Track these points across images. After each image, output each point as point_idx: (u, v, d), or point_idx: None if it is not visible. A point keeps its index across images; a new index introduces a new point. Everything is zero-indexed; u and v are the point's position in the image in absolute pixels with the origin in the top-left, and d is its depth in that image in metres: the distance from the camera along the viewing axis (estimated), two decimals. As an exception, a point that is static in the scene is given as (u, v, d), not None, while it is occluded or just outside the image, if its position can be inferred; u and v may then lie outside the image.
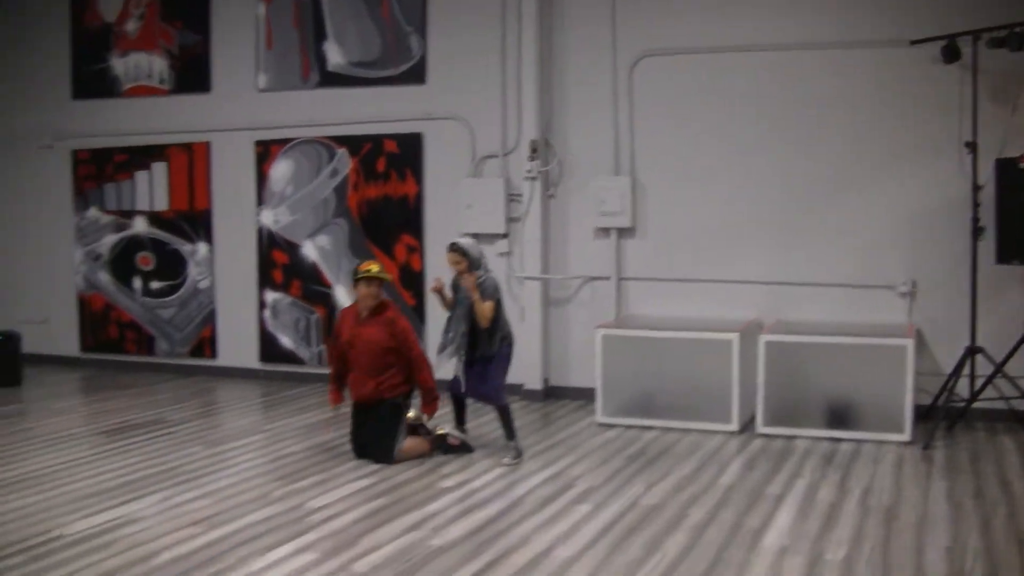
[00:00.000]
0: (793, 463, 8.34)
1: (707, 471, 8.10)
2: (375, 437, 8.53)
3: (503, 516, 6.95)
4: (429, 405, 8.62)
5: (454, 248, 8.48)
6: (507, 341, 8.66)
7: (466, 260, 8.43)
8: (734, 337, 9.48)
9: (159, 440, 9.35)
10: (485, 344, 8.52)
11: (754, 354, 9.50)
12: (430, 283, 10.82)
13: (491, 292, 8.45)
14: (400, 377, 8.64)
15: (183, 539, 6.50)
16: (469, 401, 8.96)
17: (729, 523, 6.72)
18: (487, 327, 8.45)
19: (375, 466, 8.32)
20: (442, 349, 8.70)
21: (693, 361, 9.66)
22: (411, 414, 8.72)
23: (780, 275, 10.33)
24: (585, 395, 10.66)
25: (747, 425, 9.60)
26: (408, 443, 8.61)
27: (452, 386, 8.78)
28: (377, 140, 11.76)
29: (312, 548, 6.29)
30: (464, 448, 8.76)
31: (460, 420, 8.95)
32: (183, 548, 6.33)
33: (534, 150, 10.89)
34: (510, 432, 8.56)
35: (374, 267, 8.65)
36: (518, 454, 8.50)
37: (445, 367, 8.75)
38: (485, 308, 8.37)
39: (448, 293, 8.78)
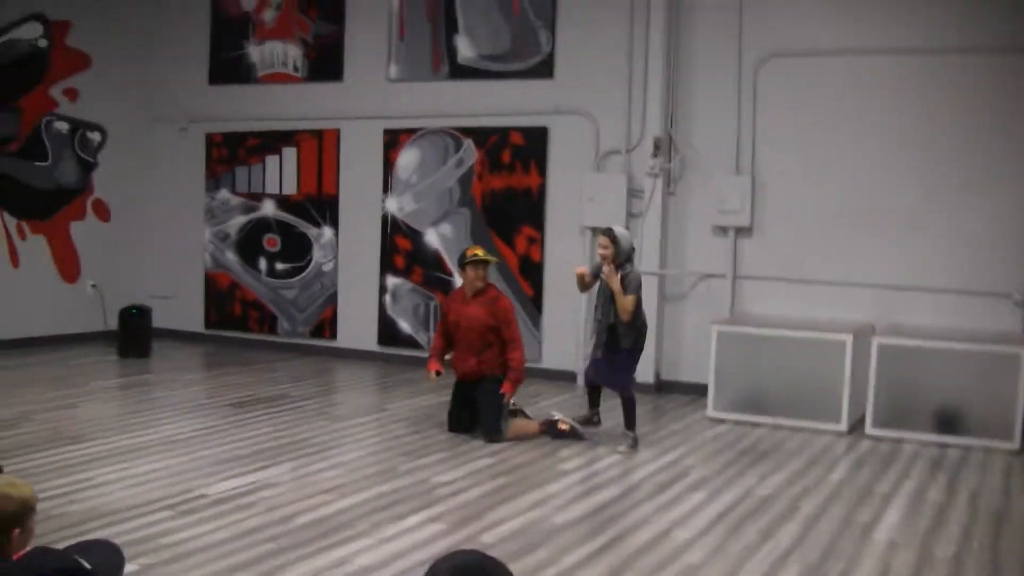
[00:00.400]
0: (901, 464, 8.47)
1: (817, 467, 8.27)
2: (484, 410, 8.95)
3: (621, 499, 7.22)
4: (511, 383, 8.99)
5: (607, 233, 8.72)
6: (642, 335, 8.88)
7: (614, 247, 8.63)
8: (847, 338, 9.62)
9: (285, 414, 9.76)
10: (622, 336, 8.72)
11: (866, 356, 9.62)
12: (554, 274, 11.15)
13: (634, 287, 8.65)
14: (500, 355, 9.06)
15: (317, 504, 6.87)
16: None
17: (840, 517, 6.90)
18: (626, 321, 8.66)
19: (497, 447, 8.65)
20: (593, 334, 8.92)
21: (805, 360, 9.82)
22: (556, 415, 9.14)
23: (895, 278, 10.41)
24: (696, 390, 10.86)
25: (856, 426, 9.72)
26: (517, 423, 9.02)
27: (586, 374, 9.03)
28: (503, 132, 12.06)
29: (441, 519, 6.61)
30: (574, 434, 9.02)
31: (594, 403, 9.27)
32: (318, 512, 6.70)
33: (657, 147, 11.11)
34: (630, 422, 8.79)
35: (480, 251, 9.13)
36: (634, 443, 8.73)
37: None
38: (627, 302, 8.57)
39: (588, 278, 8.95)
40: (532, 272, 11.96)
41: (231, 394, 10.64)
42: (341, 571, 5.70)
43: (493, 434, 8.87)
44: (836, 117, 10.62)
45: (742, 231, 11.01)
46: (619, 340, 8.71)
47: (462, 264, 9.15)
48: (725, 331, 10.16)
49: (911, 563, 6.01)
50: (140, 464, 7.72)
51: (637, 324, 8.75)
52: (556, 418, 9.12)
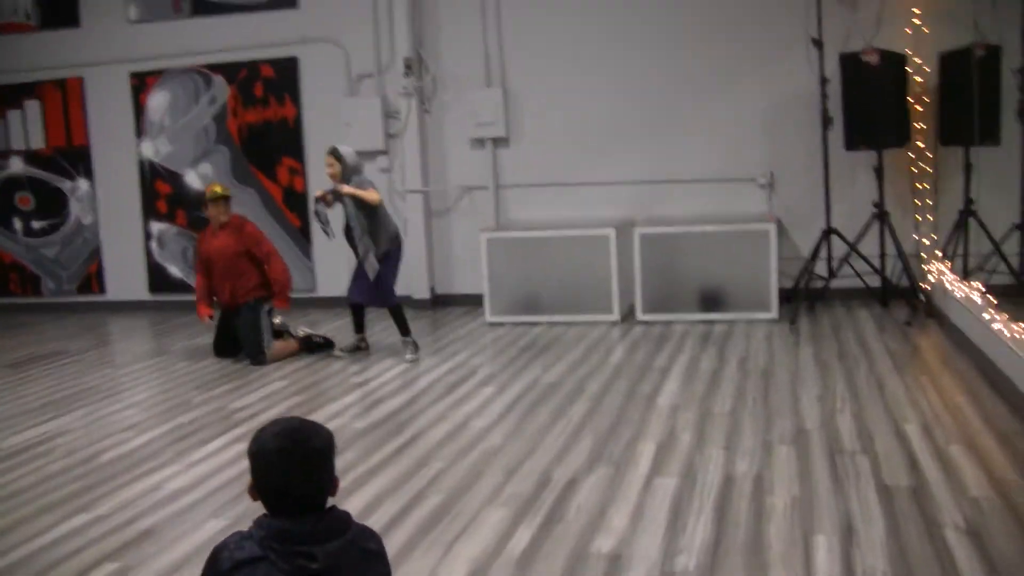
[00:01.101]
0: (674, 343, 9.04)
1: (596, 353, 8.75)
2: (243, 337, 9.35)
3: (416, 400, 7.52)
4: (280, 298, 9.41)
5: (332, 152, 8.98)
6: (395, 243, 9.11)
7: (339, 164, 8.89)
8: (611, 232, 10.11)
9: (68, 367, 9.63)
10: (378, 240, 8.93)
11: (630, 248, 10.14)
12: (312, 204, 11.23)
13: (369, 184, 8.94)
14: (255, 280, 9.44)
15: (119, 442, 6.91)
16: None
17: (623, 391, 7.39)
18: (372, 228, 8.86)
19: (286, 370, 8.79)
20: (364, 255, 9.03)
21: (573, 258, 10.29)
22: (276, 320, 9.55)
23: (650, 174, 10.95)
24: (471, 301, 11.21)
25: (627, 315, 10.27)
26: (278, 344, 9.42)
27: (349, 294, 9.28)
28: (253, 66, 12.02)
29: (243, 440, 6.72)
30: (328, 344, 9.54)
31: (359, 327, 9.46)
32: (122, 449, 6.74)
33: (408, 67, 11.29)
34: (405, 329, 9.09)
35: (219, 188, 9.59)
36: (416, 348, 9.04)
37: (372, 267, 9.00)
38: (368, 194, 8.78)
39: (328, 196, 9.05)
40: (297, 203, 12.03)
41: (4, 356, 10.39)
42: (154, 496, 5.80)
43: (257, 356, 9.24)
44: (582, 20, 10.99)
45: (499, 142, 11.35)
46: (377, 244, 8.91)
47: (203, 203, 9.66)
48: (493, 238, 10.52)
49: (694, 421, 6.52)
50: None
51: (388, 229, 8.98)
52: (307, 333, 9.63)
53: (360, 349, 9.45)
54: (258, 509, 2.90)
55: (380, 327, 10.20)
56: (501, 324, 10.28)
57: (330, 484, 2.94)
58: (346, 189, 8.78)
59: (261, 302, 9.40)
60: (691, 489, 5.32)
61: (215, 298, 9.63)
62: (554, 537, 4.83)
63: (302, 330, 9.72)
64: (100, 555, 5.02)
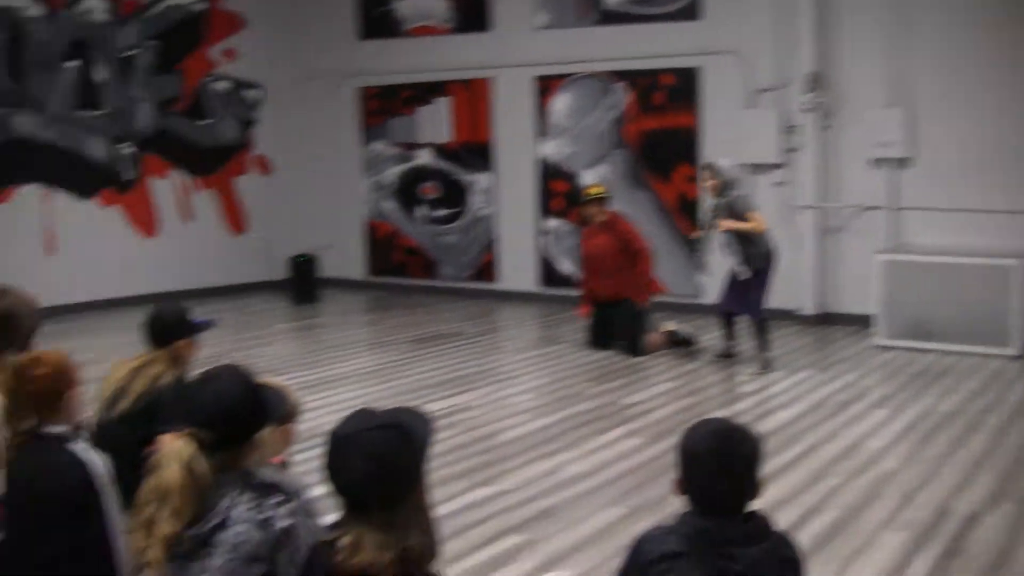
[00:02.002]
0: (1079, 384, 8.58)
1: (994, 387, 8.42)
2: (621, 330, 9.78)
3: (807, 415, 7.51)
4: (643, 294, 9.88)
5: (706, 166, 9.33)
6: (766, 261, 9.14)
7: (716, 179, 9.10)
8: (1014, 263, 9.69)
9: (464, 348, 10.18)
10: (750, 259, 9.04)
11: (1034, 280, 9.69)
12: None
13: (746, 207, 9.08)
14: (632, 275, 9.87)
15: (516, 424, 7.29)
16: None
17: (1026, 430, 7.10)
18: (745, 247, 8.98)
19: (676, 372, 8.97)
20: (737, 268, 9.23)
21: (971, 287, 9.90)
22: (671, 326, 9.99)
23: (1061, 205, 10.41)
24: (858, 321, 10.99)
25: (1025, 351, 9.82)
26: (651, 338, 9.84)
27: (720, 304, 9.46)
28: (654, 75, 12.27)
29: (638, 434, 6.96)
30: (689, 342, 9.88)
31: (729, 335, 9.52)
32: (520, 430, 7.12)
33: (811, 82, 11.21)
34: (764, 345, 9.16)
35: (595, 189, 10.17)
36: (767, 365, 9.08)
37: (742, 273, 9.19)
38: (752, 222, 8.93)
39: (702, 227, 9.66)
40: (690, 211, 12.17)
41: (406, 333, 11.08)
42: (554, 478, 6.09)
43: (635, 348, 9.65)
44: (992, 45, 10.58)
45: (900, 162, 11.08)
46: (749, 263, 9.03)
47: (582, 203, 10.21)
48: (889, 260, 10.30)
49: (1105, 467, 6.20)
50: (340, 393, 8.20)
51: (762, 246, 9.05)
52: (672, 328, 10.01)
53: (730, 356, 9.50)
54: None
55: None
56: (891, 348, 10.04)
57: (755, 489, 3.03)
58: (727, 224, 8.94)
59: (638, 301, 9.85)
60: (1107, 537, 5.08)
61: (592, 291, 10.09)
62: (955, 569, 4.75)
63: (668, 325, 10.09)
64: (505, 527, 5.34)
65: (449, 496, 5.75)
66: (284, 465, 4.19)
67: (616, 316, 9.84)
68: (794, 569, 3.05)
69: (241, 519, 3.11)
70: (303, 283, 13.52)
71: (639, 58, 12.35)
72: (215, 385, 3.26)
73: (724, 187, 9.08)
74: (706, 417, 3.19)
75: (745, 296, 9.11)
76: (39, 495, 3.81)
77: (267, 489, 3.17)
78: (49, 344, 4.30)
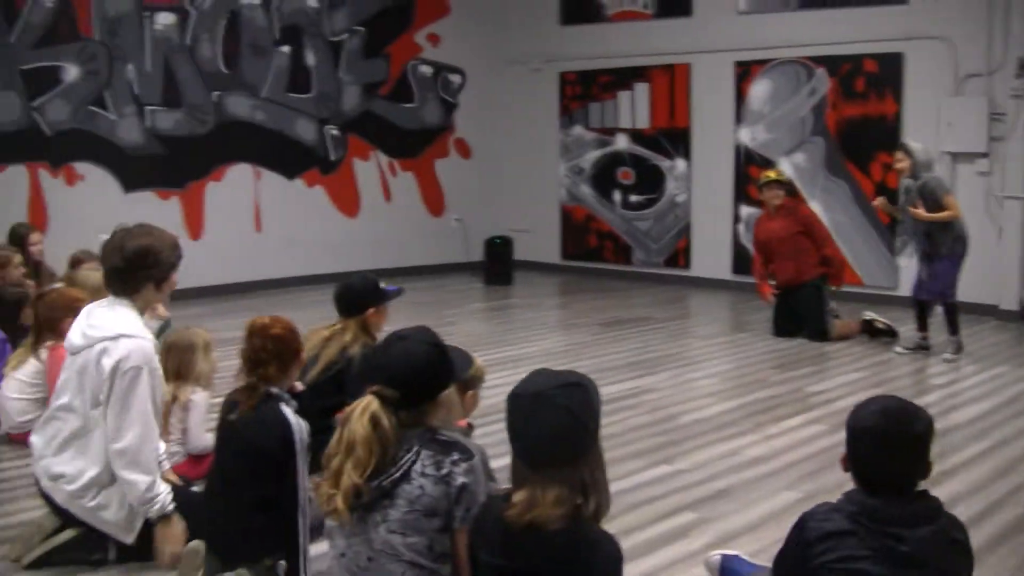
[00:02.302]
0: None
1: None
2: (806, 313, 9.77)
3: (1000, 409, 7.32)
4: (835, 277, 9.90)
5: (901, 147, 9.11)
6: (961, 242, 8.92)
7: (909, 160, 8.91)
8: None
9: (652, 332, 10.24)
10: (940, 244, 8.86)
11: None
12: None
13: (942, 189, 8.87)
14: (816, 258, 9.87)
15: (700, 407, 7.34)
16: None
17: None
18: (936, 231, 8.79)
19: (865, 362, 8.84)
20: (901, 250, 9.40)
21: None
22: (867, 315, 9.90)
23: None
24: (1065, 317, 10.62)
25: None
26: (839, 323, 9.77)
27: (913, 289, 9.29)
28: (856, 60, 12.04)
29: (820, 422, 6.92)
30: (889, 332, 9.64)
31: (922, 325, 9.28)
32: (702, 413, 7.16)
33: (1022, 67, 10.84)
34: (953, 328, 8.99)
35: (772, 173, 10.28)
36: (959, 348, 8.96)
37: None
38: (947, 206, 8.73)
39: (884, 203, 9.44)
40: (890, 199, 11.89)
41: (596, 315, 11.21)
42: (732, 460, 6.13)
43: (820, 334, 9.62)
44: None
45: (1112, 152, 10.64)
46: (938, 248, 8.85)
47: (759, 187, 10.26)
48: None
49: None
50: (526, 372, 8.31)
51: (954, 229, 8.82)
52: (870, 317, 9.85)
53: (922, 348, 9.27)
54: (836, 481, 3.02)
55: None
56: (1096, 345, 9.69)
57: (924, 469, 3.02)
58: (919, 215, 8.76)
59: (823, 280, 9.85)
60: None
61: (773, 276, 10.11)
62: None
63: (867, 314, 9.96)
64: (680, 504, 5.40)
65: (627, 473, 5.86)
66: (469, 428, 4.37)
67: (800, 301, 9.84)
68: (964, 552, 3.04)
69: (422, 474, 3.29)
70: (498, 265, 13.78)
71: (841, 43, 12.14)
72: (402, 345, 3.45)
73: (917, 168, 8.89)
74: (876, 395, 3.20)
75: (938, 281, 8.92)
76: (249, 449, 4.11)
77: (448, 447, 3.35)
78: (257, 313, 4.60)
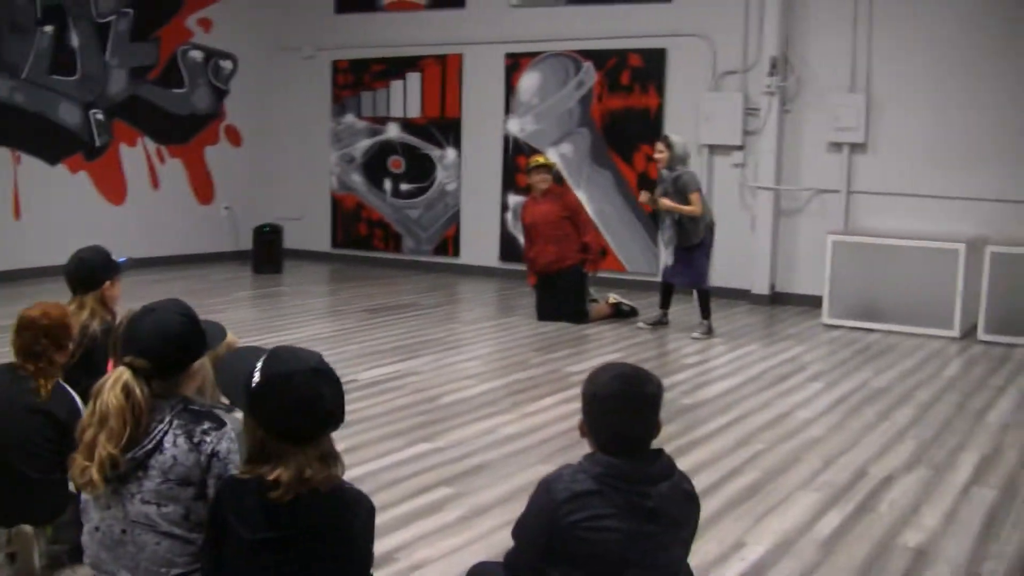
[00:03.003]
0: (1015, 364, 8.78)
1: (930, 365, 8.64)
2: (566, 299, 10.14)
3: (745, 386, 7.71)
4: (592, 263, 10.31)
5: (663, 139, 9.69)
6: (710, 232, 9.65)
7: (669, 152, 9.52)
8: (960, 247, 9.90)
9: (418, 318, 10.34)
10: (691, 233, 9.50)
11: (979, 264, 9.89)
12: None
13: (693, 185, 9.48)
14: (577, 244, 10.27)
15: (461, 388, 7.46)
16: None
17: (954, 403, 7.31)
18: (699, 214, 9.43)
19: (622, 344, 9.16)
20: (665, 241, 9.83)
21: (919, 269, 10.12)
22: (612, 298, 10.49)
23: (1008, 193, 10.58)
24: (809, 301, 11.19)
25: (968, 332, 9.99)
26: (596, 307, 10.27)
27: (664, 274, 9.95)
28: (622, 55, 12.42)
29: (576, 400, 7.05)
30: (633, 312, 10.38)
31: (664, 303, 10.03)
32: (462, 394, 7.29)
33: (773, 66, 11.39)
34: (706, 312, 9.63)
35: (541, 158, 10.75)
36: (708, 331, 9.57)
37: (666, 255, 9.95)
38: (691, 203, 9.37)
39: (650, 197, 9.82)
40: (651, 189, 12.30)
41: (363, 302, 11.24)
42: (490, 437, 6.27)
43: (579, 316, 10.06)
44: (951, 34, 10.75)
45: (856, 147, 11.26)
46: (688, 237, 9.49)
47: (528, 171, 10.56)
48: (840, 240, 10.50)
49: (1023, 440, 6.39)
50: (292, 356, 8.31)
51: (704, 219, 9.48)
52: (616, 300, 10.51)
53: (661, 324, 10.00)
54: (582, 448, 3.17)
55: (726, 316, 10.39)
56: (838, 327, 10.25)
57: (657, 428, 3.19)
58: (666, 204, 9.39)
59: (581, 265, 10.23)
60: (1010, 502, 5.27)
61: (533, 259, 10.45)
62: (863, 525, 4.93)
63: (613, 296, 10.53)
64: (438, 480, 5.51)
65: (387, 451, 5.94)
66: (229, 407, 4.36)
67: (560, 284, 10.18)
68: (694, 501, 3.22)
69: (174, 443, 3.29)
70: (268, 253, 13.65)
71: (608, 38, 12.50)
72: (153, 316, 3.44)
73: (674, 161, 9.45)
74: (608, 362, 3.35)
75: (688, 267, 9.55)
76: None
77: (199, 416, 3.37)
78: (17, 305, 4.50)
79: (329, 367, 3.06)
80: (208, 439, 3.32)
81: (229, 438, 3.38)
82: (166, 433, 3.31)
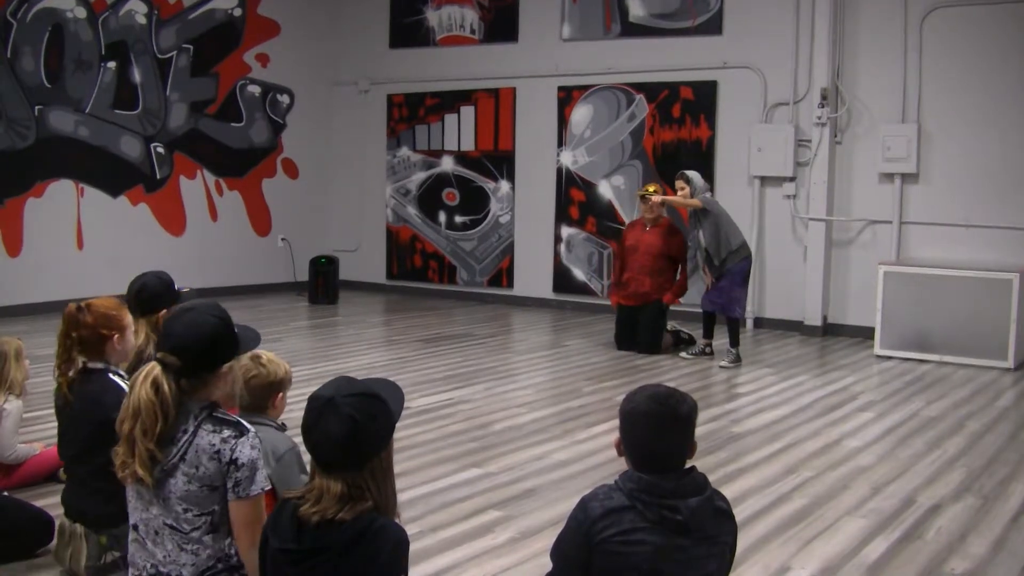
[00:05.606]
0: (1070, 396, 8.75)
1: (983, 396, 8.61)
2: (646, 329, 10.28)
3: (795, 415, 7.74)
4: (676, 295, 10.47)
5: (680, 176, 10.03)
6: (741, 256, 9.81)
7: (688, 187, 9.85)
8: (1014, 276, 9.86)
9: (472, 348, 10.46)
10: (715, 261, 9.76)
11: (1034, 295, 9.86)
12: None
13: (701, 193, 9.86)
14: (670, 281, 10.38)
15: (512, 415, 7.55)
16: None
17: (1006, 433, 7.29)
18: (718, 245, 9.69)
19: (674, 374, 9.22)
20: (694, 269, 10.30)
21: (971, 300, 10.08)
22: (671, 326, 10.63)
23: (1064, 224, 10.56)
24: (862, 332, 11.19)
25: (1023, 363, 9.95)
26: (666, 337, 10.53)
27: (702, 303, 10.15)
28: (674, 87, 12.53)
29: (626, 427, 7.19)
30: (691, 341, 10.49)
31: (707, 333, 10.18)
32: (514, 421, 7.38)
33: (824, 97, 11.44)
34: (734, 340, 9.76)
35: (650, 188, 10.63)
36: (736, 360, 9.70)
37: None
38: (688, 201, 9.80)
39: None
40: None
41: (418, 333, 11.38)
42: (540, 463, 6.36)
43: (655, 348, 10.24)
44: (1002, 65, 10.76)
45: (908, 178, 11.27)
46: (720, 263, 9.73)
47: (640, 198, 10.66)
48: (891, 271, 10.48)
49: (1074, 470, 6.39)
50: (347, 383, 8.45)
51: (731, 242, 9.71)
52: (675, 328, 10.66)
53: (705, 354, 10.10)
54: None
55: (769, 347, 10.42)
56: (889, 357, 10.23)
57: (690, 447, 3.29)
58: (674, 200, 9.95)
59: (662, 297, 10.36)
60: (1061, 530, 5.28)
61: (623, 286, 10.55)
62: (909, 551, 4.97)
63: (671, 325, 10.64)
64: (487, 503, 5.60)
65: (438, 476, 6.04)
66: (282, 427, 4.50)
67: (642, 316, 10.30)
68: (729, 518, 3.31)
69: (198, 450, 3.45)
70: (324, 285, 13.84)
71: (659, 71, 12.62)
72: (189, 315, 3.60)
73: (695, 193, 9.86)
74: (645, 383, 3.44)
75: (721, 293, 9.78)
76: (90, 421, 4.38)
77: (222, 423, 3.53)
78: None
79: (354, 399, 3.09)
80: (228, 446, 3.46)
81: (251, 446, 3.51)
82: (193, 437, 3.46)
